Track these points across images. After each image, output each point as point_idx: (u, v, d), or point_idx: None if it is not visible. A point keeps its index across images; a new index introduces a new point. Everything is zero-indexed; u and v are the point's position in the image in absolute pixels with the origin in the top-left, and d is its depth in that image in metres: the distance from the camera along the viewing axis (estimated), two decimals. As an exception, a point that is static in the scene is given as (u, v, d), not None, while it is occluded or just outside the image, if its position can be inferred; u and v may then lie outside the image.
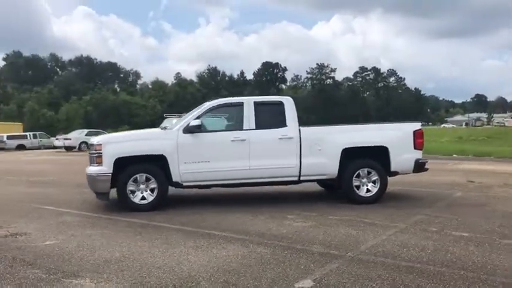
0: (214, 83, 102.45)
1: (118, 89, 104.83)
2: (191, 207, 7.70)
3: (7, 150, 34.88)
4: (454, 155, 21.26)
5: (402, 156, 7.89)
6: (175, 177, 7.38)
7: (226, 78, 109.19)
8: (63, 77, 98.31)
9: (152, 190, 7.38)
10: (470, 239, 5.47)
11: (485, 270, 4.30)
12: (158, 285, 3.99)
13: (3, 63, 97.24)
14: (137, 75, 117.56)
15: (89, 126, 47.36)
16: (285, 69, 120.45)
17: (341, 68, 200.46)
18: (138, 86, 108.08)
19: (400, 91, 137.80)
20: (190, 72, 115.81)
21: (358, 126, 8.85)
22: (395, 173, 8.07)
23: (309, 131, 7.82)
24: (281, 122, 7.71)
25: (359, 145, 7.81)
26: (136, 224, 6.42)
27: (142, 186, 7.37)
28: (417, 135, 7.98)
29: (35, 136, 39.30)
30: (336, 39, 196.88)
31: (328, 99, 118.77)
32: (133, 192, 7.32)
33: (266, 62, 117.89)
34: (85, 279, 4.15)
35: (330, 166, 7.70)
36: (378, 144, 7.84)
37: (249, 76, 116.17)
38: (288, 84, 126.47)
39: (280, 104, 7.85)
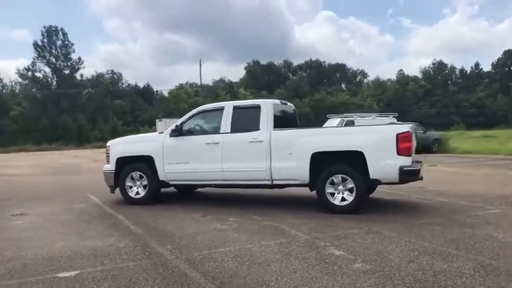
0: (440, 77, 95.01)
1: (345, 89, 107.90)
2: (172, 204, 8.52)
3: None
4: None
5: (382, 162, 6.98)
6: (161, 176, 8.29)
7: (457, 72, 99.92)
8: (292, 81, 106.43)
9: (145, 187, 8.46)
10: (324, 257, 4.84)
11: (224, 281, 4.02)
12: (-9, 259, 5.10)
13: (244, 72, 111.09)
14: (364, 74, 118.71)
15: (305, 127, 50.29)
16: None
17: None
18: (363, 86, 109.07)
19: None
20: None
21: (332, 129, 8.13)
22: (377, 182, 7.19)
23: (279, 135, 7.63)
24: (255, 126, 7.76)
25: (328, 149, 7.25)
26: (101, 215, 7.63)
27: (138, 182, 8.53)
28: (401, 139, 6.92)
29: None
30: None
31: None
32: (130, 187, 8.55)
33: (508, 50, 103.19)
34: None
35: (300, 171, 7.39)
36: (351, 149, 7.13)
37: (486, 68, 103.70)
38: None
39: (257, 108, 7.89)
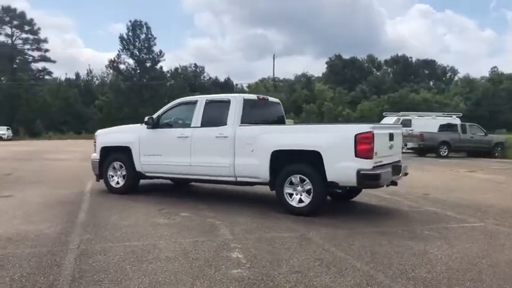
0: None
1: (433, 87, 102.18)
2: (147, 195, 8.62)
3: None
4: None
5: (339, 164, 6.48)
6: (137, 167, 8.40)
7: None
8: (375, 77, 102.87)
9: (124, 176, 8.62)
10: (216, 260, 4.60)
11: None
12: None
13: (325, 66, 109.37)
14: (454, 71, 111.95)
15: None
16: None
17: None
18: (452, 83, 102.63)
19: None
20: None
21: (293, 127, 7.60)
22: (334, 184, 6.69)
23: (243, 131, 7.38)
24: (223, 121, 7.58)
25: (287, 148, 6.89)
26: (71, 201, 7.95)
27: (118, 172, 8.71)
28: (360, 140, 6.36)
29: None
30: None
31: None
32: (112, 176, 8.76)
33: None
34: None
35: (261, 169, 7.10)
36: (308, 148, 6.71)
37: None
38: None
39: (228, 102, 7.69)
